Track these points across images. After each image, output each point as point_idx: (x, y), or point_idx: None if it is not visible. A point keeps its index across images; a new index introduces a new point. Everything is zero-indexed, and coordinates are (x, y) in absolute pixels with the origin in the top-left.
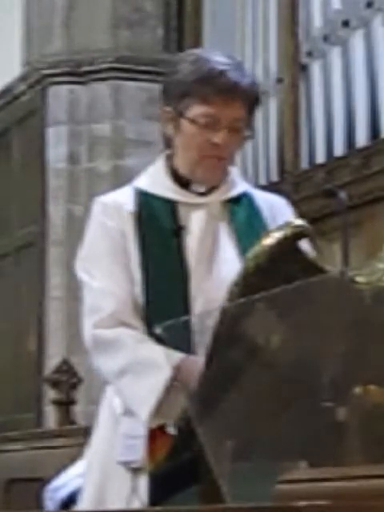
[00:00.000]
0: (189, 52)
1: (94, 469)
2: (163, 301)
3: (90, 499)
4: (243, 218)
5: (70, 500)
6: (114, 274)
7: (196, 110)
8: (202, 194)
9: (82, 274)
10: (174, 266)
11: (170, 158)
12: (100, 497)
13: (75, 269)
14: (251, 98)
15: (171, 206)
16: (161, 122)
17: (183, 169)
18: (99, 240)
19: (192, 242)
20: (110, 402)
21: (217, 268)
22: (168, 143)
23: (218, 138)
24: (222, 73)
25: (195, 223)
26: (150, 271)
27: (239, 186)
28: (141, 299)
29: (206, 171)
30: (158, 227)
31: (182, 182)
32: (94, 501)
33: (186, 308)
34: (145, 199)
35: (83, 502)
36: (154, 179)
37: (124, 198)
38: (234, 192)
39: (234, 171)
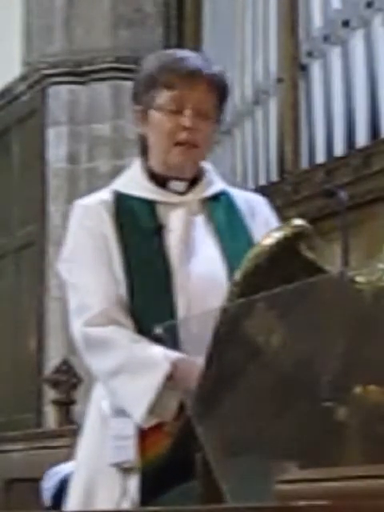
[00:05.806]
0: (156, 52)
1: (82, 473)
2: (147, 300)
3: (78, 502)
4: (222, 215)
5: (64, 484)
6: (99, 274)
7: (162, 97)
8: (180, 194)
9: (66, 274)
10: (157, 265)
11: (145, 160)
12: (87, 500)
13: (59, 270)
14: (218, 85)
15: (150, 205)
16: (134, 123)
17: (158, 164)
18: (82, 241)
19: (173, 240)
20: (98, 404)
21: (199, 266)
22: (143, 146)
23: (186, 121)
24: (183, 59)
25: (175, 222)
26: (133, 271)
27: (217, 184)
28: (125, 299)
29: (178, 157)
30: (138, 227)
31: (160, 181)
32: (81, 504)
33: (170, 306)
34: (124, 200)
35: (71, 505)
36: (132, 181)
37: (103, 200)
38: (212, 190)
39: (211, 170)
